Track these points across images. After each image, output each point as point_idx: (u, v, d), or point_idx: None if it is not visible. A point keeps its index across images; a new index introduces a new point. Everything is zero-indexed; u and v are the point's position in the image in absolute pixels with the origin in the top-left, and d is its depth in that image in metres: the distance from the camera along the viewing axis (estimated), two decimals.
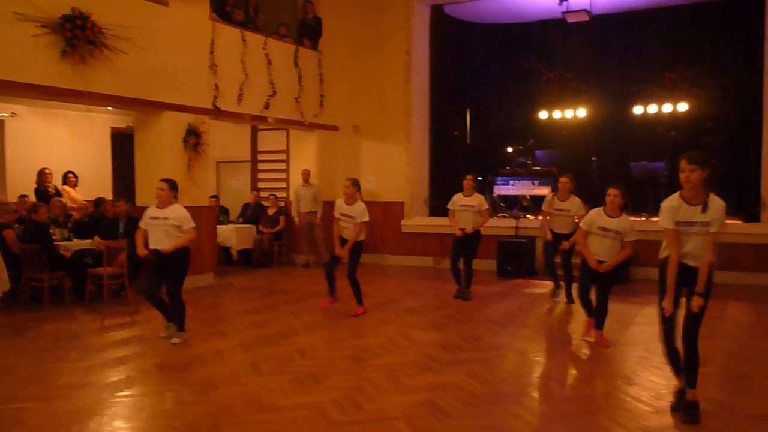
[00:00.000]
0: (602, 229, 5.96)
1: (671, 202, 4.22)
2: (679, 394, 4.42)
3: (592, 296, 6.28)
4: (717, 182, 4.19)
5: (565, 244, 7.90)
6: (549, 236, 8.28)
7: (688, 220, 4.14)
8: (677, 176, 4.19)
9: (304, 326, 7.22)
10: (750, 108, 11.19)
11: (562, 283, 8.44)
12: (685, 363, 4.32)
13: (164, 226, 6.25)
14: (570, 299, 8.28)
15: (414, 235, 12.36)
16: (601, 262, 6.01)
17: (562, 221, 8.17)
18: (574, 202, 8.10)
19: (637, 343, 6.34)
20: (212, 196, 11.92)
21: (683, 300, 4.34)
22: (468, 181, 8.56)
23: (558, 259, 8.35)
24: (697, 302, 4.18)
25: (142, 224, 6.46)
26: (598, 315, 6.24)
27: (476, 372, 5.43)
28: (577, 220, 7.74)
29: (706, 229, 4.11)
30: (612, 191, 5.95)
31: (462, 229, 8.43)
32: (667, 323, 4.36)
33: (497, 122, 14.35)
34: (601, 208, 6.04)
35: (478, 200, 8.52)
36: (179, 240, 6.25)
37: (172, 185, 6.41)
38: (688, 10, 12.50)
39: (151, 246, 6.33)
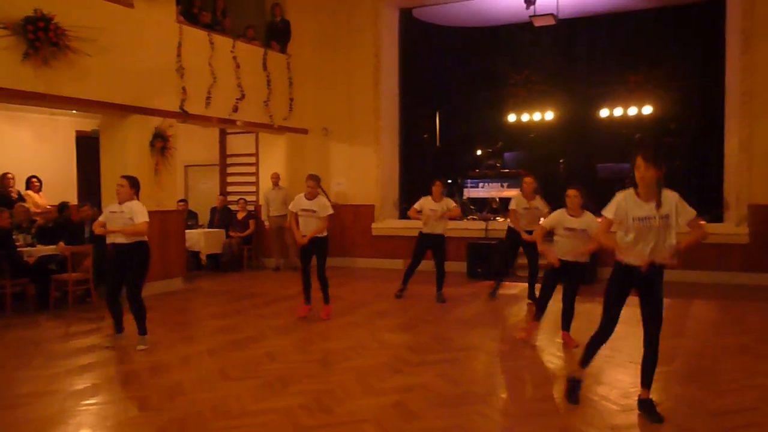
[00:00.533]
0: (569, 230, 6.04)
1: (625, 196, 4.25)
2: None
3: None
4: (668, 181, 4.24)
5: (528, 237, 7.67)
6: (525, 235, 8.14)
7: (644, 215, 4.16)
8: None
9: (273, 330, 7.17)
10: (712, 109, 11.43)
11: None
12: (646, 364, 4.36)
13: (121, 220, 6.20)
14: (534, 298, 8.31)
15: (384, 238, 12.36)
16: (566, 261, 6.09)
17: (530, 220, 8.16)
18: (539, 201, 8.17)
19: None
20: (180, 201, 11.78)
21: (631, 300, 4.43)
22: (437, 188, 8.60)
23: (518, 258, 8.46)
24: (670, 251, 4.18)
25: (101, 218, 6.42)
26: (564, 316, 6.33)
27: (446, 373, 5.45)
28: (542, 220, 7.81)
29: (667, 221, 4.15)
30: (571, 192, 6.05)
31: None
32: (612, 320, 4.50)
33: (466, 125, 14.45)
34: (564, 210, 6.12)
35: (446, 203, 8.63)
36: (128, 228, 6.15)
37: (133, 182, 6.36)
38: (651, 13, 12.75)
39: (109, 241, 6.29)
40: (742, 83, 9.99)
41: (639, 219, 4.18)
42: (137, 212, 6.20)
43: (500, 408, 4.63)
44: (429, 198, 8.62)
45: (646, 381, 4.38)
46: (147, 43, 9.30)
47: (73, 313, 8.17)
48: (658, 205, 4.14)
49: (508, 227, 8.44)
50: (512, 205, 8.21)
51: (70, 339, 6.93)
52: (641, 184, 4.16)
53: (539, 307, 6.50)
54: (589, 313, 7.66)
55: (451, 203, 8.70)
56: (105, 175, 9.38)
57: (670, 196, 4.18)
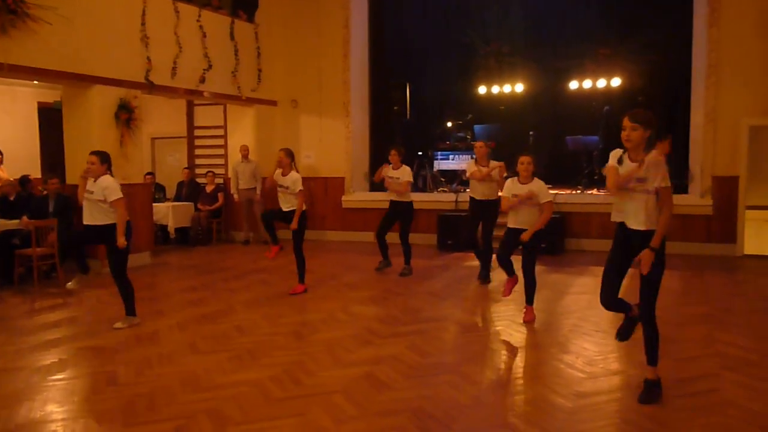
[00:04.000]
0: (516, 197, 6.05)
1: (617, 154, 4.15)
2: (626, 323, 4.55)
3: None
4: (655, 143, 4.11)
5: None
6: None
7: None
8: (610, 149, 4.22)
9: (243, 304, 7.15)
10: (679, 82, 11.54)
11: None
12: (645, 340, 4.26)
13: (91, 201, 5.98)
14: (487, 279, 8.11)
15: (355, 211, 12.35)
16: (520, 230, 6.06)
17: (484, 188, 7.94)
18: (493, 166, 7.87)
19: (571, 312, 6.52)
20: (148, 174, 11.61)
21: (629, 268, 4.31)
22: (393, 156, 8.57)
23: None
24: (646, 254, 4.02)
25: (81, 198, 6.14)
26: (527, 290, 6.25)
27: (416, 344, 5.49)
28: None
29: (645, 187, 4.02)
30: (524, 159, 6.09)
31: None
32: (607, 279, 4.30)
33: (436, 97, 14.38)
34: (515, 178, 6.17)
35: (404, 173, 8.52)
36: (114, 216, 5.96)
37: (104, 158, 6.08)
38: None
39: (84, 221, 6.07)
40: (709, 56, 10.10)
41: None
42: (110, 190, 5.93)
43: (469, 377, 4.68)
44: (389, 167, 8.61)
45: (650, 357, 4.25)
46: (110, 11, 9.06)
47: (38, 289, 8.05)
48: (640, 164, 3.99)
49: (471, 198, 8.14)
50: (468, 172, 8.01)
51: (35, 314, 6.83)
52: (627, 147, 4.05)
53: (509, 270, 6.37)
54: (556, 283, 7.80)
55: (407, 175, 8.52)
56: (69, 147, 9.19)
57: (653, 160, 4.00)
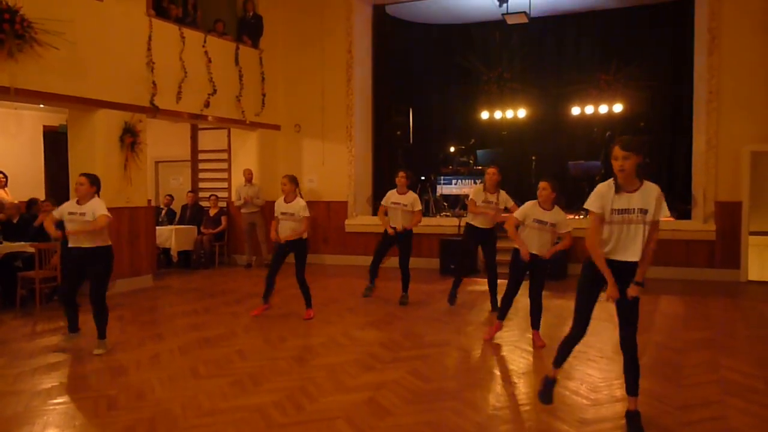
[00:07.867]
0: (538, 222, 5.99)
1: (605, 187, 4.00)
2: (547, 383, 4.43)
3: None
4: (648, 170, 4.10)
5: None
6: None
7: (624, 207, 3.92)
8: (612, 174, 4.15)
9: (245, 328, 7.12)
10: (680, 108, 11.61)
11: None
12: (625, 369, 4.20)
13: (79, 222, 5.92)
14: (496, 307, 7.75)
15: (357, 235, 12.35)
16: (533, 255, 6.06)
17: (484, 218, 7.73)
18: (502, 197, 7.70)
19: None
20: (167, 196, 11.74)
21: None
22: (401, 179, 8.14)
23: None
24: (634, 290, 4.07)
25: (56, 213, 6.12)
26: (532, 314, 6.25)
27: (418, 369, 5.46)
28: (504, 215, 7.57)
29: (643, 217, 3.91)
30: (542, 184, 6.02)
31: (394, 228, 8.13)
32: (584, 319, 4.26)
33: (439, 122, 14.50)
34: (535, 201, 6.07)
35: (411, 199, 8.13)
36: (87, 226, 5.89)
37: (93, 180, 6.07)
38: (621, 12, 12.91)
39: (71, 244, 6.01)
40: (709, 82, 10.16)
41: (617, 211, 3.93)
42: (96, 208, 5.94)
43: (472, 403, 4.65)
44: (394, 191, 8.23)
45: (629, 388, 4.18)
46: (116, 36, 9.16)
47: (40, 312, 8.03)
48: (639, 193, 3.92)
49: (467, 224, 7.91)
50: (472, 196, 7.77)
51: (36, 337, 6.80)
52: (621, 176, 3.90)
53: (504, 305, 6.34)
54: (559, 309, 7.78)
55: (417, 203, 8.14)
56: (73, 170, 9.21)
57: (652, 189, 3.93)
